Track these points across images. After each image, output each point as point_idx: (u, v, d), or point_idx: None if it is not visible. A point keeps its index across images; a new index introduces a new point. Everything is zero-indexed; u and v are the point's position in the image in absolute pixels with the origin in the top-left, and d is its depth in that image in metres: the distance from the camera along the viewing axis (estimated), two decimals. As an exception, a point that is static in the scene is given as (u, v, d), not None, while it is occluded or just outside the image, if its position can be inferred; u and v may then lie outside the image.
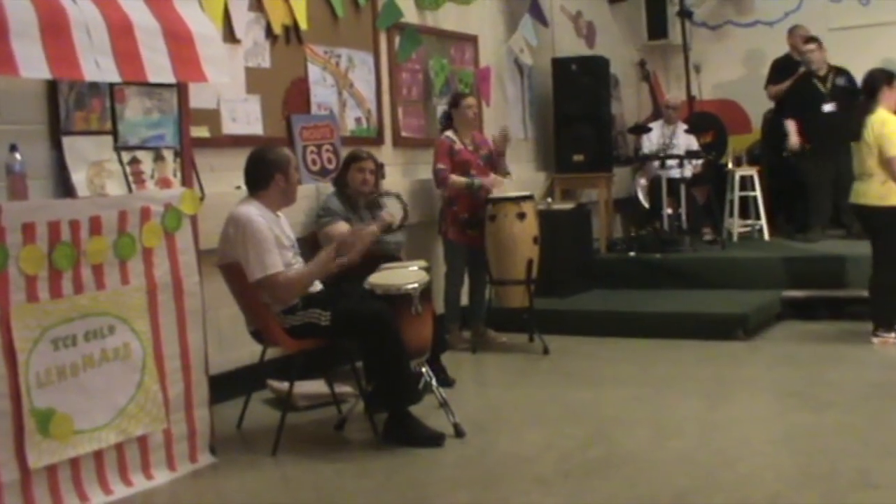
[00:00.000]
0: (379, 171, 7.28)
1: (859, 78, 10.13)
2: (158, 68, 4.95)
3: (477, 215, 8.00)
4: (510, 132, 8.45)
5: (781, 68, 11.00)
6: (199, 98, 6.19)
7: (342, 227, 6.68)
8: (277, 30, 7.26)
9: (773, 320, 8.70)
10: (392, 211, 7.03)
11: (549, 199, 9.69)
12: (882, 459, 5.03)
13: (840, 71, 10.33)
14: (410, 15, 8.60)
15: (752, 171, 10.89)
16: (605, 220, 10.49)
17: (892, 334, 7.68)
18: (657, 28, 12.65)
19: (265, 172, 5.63)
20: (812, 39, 10.48)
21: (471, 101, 8.26)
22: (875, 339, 7.71)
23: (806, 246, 9.96)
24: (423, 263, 6.05)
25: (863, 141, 7.64)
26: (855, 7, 12.10)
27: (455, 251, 8.14)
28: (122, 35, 4.76)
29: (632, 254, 10.00)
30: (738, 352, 7.79)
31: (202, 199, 5.48)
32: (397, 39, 8.47)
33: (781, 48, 11.26)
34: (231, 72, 6.16)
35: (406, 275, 5.79)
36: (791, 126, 10.35)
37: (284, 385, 6.05)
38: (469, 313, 8.37)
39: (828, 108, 10.17)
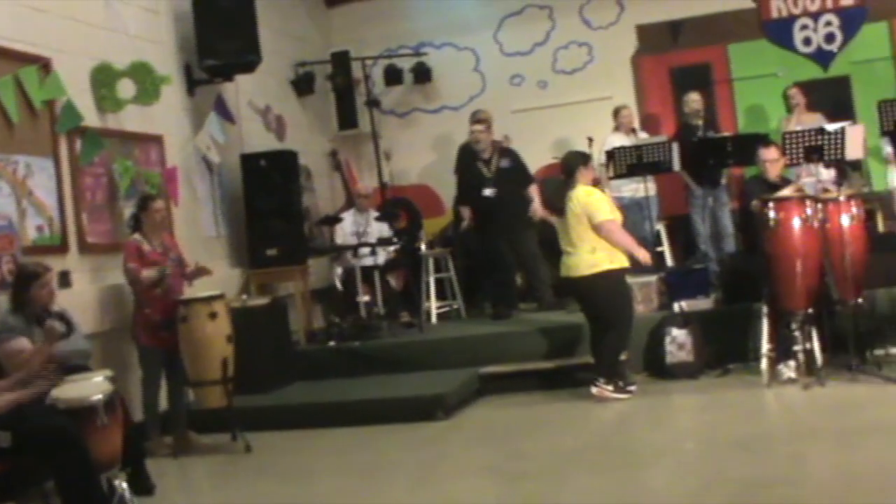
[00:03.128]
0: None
1: (531, 156, 10.75)
2: None
3: (170, 317, 7.87)
4: (209, 270, 8.39)
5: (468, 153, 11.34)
6: None
7: (22, 343, 6.42)
8: (-55, 140, 6.98)
9: (473, 397, 8.90)
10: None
11: (245, 296, 9.65)
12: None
13: (505, 151, 10.68)
14: (91, 117, 8.42)
15: (446, 253, 11.20)
16: (304, 311, 10.51)
17: (611, 387, 8.08)
18: (347, 118, 12.85)
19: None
20: (480, 121, 10.85)
21: (159, 204, 8.18)
22: (594, 389, 8.10)
23: (501, 321, 10.27)
24: (107, 373, 5.91)
25: (570, 214, 8.18)
26: (534, 90, 12.77)
27: (149, 355, 7.98)
28: None
29: (331, 343, 10.02)
30: (438, 432, 7.95)
31: None
32: (78, 143, 8.27)
33: (467, 132, 11.61)
34: None
35: (89, 386, 5.65)
36: (465, 212, 10.67)
37: (-32, 514, 5.76)
38: (169, 417, 8.19)
39: (487, 192, 10.43)
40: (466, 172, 10.73)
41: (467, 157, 10.86)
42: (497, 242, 10.39)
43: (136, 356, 8.12)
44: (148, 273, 7.84)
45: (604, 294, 8.17)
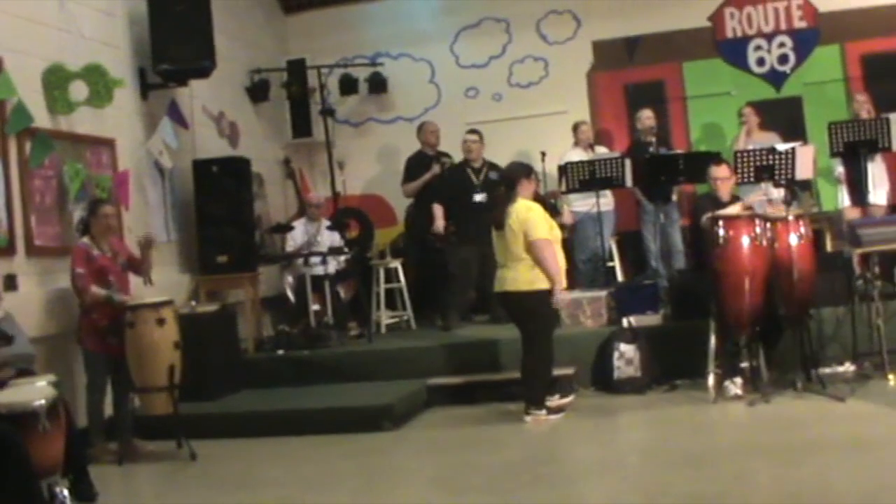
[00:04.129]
0: None
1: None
2: None
3: (117, 322, 7.81)
4: (154, 237, 8.32)
5: (415, 164, 11.40)
6: None
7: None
8: None
9: (421, 408, 8.90)
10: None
11: (194, 302, 9.59)
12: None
13: (493, 166, 10.71)
14: (42, 119, 8.34)
15: (397, 264, 11.21)
16: (253, 319, 10.46)
17: (544, 411, 8.05)
18: (301, 126, 12.85)
19: None
20: (474, 132, 10.91)
21: (108, 209, 8.11)
22: (528, 418, 8.06)
23: (451, 333, 10.29)
24: (51, 378, 5.85)
25: (508, 229, 8.08)
26: (489, 103, 12.81)
27: (95, 361, 7.90)
28: None
29: (280, 352, 10.00)
30: (385, 442, 7.93)
31: None
32: (28, 144, 8.17)
33: (417, 143, 11.68)
34: None
35: (31, 391, 5.59)
36: (438, 210, 10.65)
37: None
38: (114, 424, 8.10)
39: (479, 197, 10.50)
40: (454, 178, 10.85)
41: (420, 161, 11.09)
42: (469, 250, 10.35)
43: (82, 361, 8.03)
44: (97, 291, 7.77)
45: (535, 312, 8.11)
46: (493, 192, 10.35)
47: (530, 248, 7.97)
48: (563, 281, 8.14)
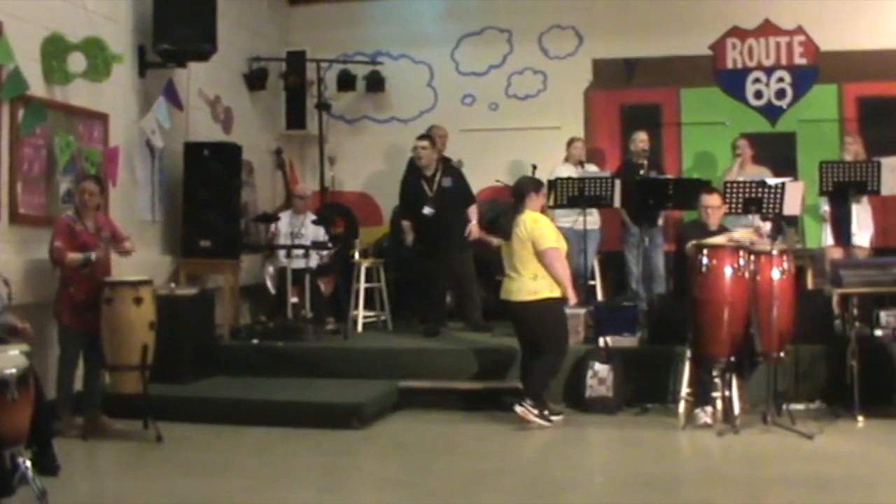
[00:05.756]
0: None
1: (475, 177, 10.78)
2: None
3: (94, 298, 7.78)
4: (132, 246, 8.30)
5: (417, 166, 11.29)
6: None
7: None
8: None
9: (391, 410, 8.88)
10: None
11: (173, 284, 9.57)
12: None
13: (448, 170, 10.63)
14: (37, 87, 8.31)
15: (378, 263, 11.21)
16: (231, 306, 10.44)
17: (536, 411, 8.10)
18: (296, 118, 12.84)
19: None
20: (424, 136, 10.74)
21: (88, 186, 8.04)
22: (518, 409, 8.11)
23: (427, 338, 10.28)
24: (24, 347, 5.81)
25: (515, 238, 8.25)
26: (485, 112, 12.83)
27: (69, 335, 7.88)
28: None
29: (254, 341, 9.98)
30: (352, 441, 7.91)
31: None
32: (21, 112, 8.13)
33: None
34: None
35: (3, 359, 5.55)
36: (406, 225, 10.65)
37: None
38: (83, 399, 8.07)
39: (426, 211, 10.38)
40: (409, 188, 10.70)
41: (413, 172, 10.82)
42: (433, 260, 10.38)
43: (56, 333, 8.01)
44: (73, 256, 7.74)
45: (541, 321, 8.24)
46: (444, 202, 10.41)
47: (541, 257, 8.15)
48: (572, 292, 8.30)
